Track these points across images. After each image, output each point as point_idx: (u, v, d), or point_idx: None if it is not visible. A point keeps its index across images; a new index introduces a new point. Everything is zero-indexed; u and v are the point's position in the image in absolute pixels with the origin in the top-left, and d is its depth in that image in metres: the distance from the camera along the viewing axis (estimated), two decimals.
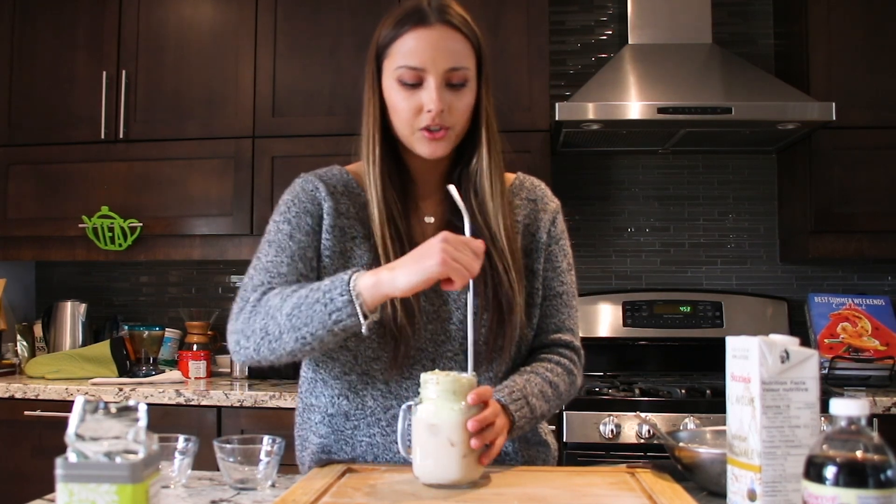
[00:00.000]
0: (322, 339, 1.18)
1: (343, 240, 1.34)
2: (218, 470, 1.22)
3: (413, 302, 1.27)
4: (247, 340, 1.24)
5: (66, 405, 2.42)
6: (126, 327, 3.06)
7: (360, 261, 1.32)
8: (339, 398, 1.34)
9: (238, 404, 2.52)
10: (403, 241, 1.30)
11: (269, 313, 1.21)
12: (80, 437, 0.79)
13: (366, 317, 1.14)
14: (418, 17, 1.27)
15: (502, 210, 1.33)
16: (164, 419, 2.49)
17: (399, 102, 1.28)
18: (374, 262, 1.29)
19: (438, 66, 1.25)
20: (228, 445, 1.19)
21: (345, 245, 1.34)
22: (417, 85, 1.27)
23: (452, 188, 1.24)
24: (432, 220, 1.38)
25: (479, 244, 1.16)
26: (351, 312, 1.14)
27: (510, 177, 1.45)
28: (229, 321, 1.29)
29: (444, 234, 1.14)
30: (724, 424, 1.06)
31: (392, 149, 1.34)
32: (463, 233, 1.19)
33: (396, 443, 1.29)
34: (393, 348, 1.29)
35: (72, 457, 0.79)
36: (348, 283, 1.14)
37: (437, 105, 1.25)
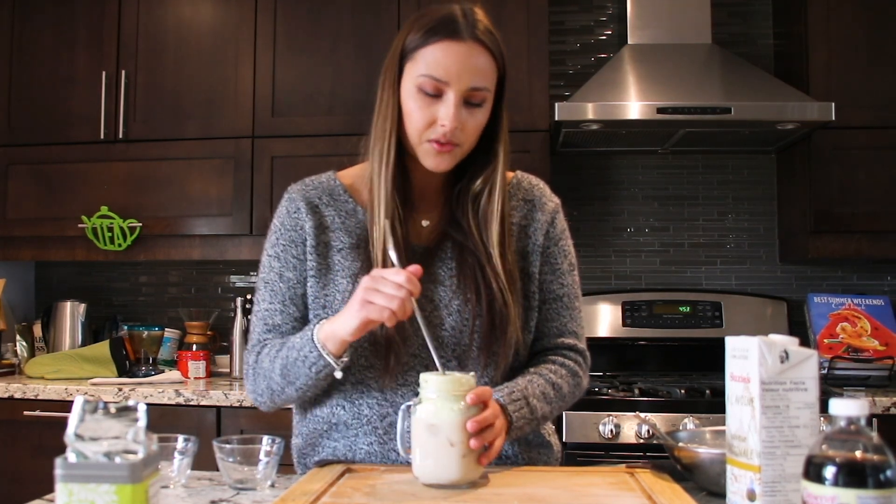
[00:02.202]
0: (314, 385, 1.29)
1: (327, 255, 1.35)
2: (217, 470, 1.22)
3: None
4: (261, 397, 1.36)
5: (66, 405, 2.42)
6: (125, 327, 3.06)
7: (346, 272, 1.33)
8: (336, 407, 1.34)
9: (237, 404, 2.52)
10: (401, 247, 1.28)
11: (266, 375, 1.32)
12: (79, 437, 0.79)
13: (339, 360, 1.24)
14: (451, 28, 1.25)
15: (500, 231, 1.33)
16: (164, 419, 2.49)
17: (414, 110, 1.27)
18: (367, 268, 1.29)
19: (462, 82, 1.24)
20: (228, 445, 1.19)
21: (330, 259, 1.35)
22: (436, 96, 1.25)
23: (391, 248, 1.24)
24: (428, 223, 1.38)
25: (402, 274, 1.16)
26: (325, 363, 1.24)
27: (508, 175, 1.43)
28: (244, 379, 1.39)
29: (369, 275, 1.19)
30: (724, 424, 1.06)
31: (399, 155, 1.33)
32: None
33: (394, 450, 1.29)
34: (385, 357, 1.29)
35: (71, 457, 0.79)
36: (312, 339, 1.24)
37: (453, 123, 1.24)
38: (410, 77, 1.27)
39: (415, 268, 1.18)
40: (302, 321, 1.36)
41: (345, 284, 1.32)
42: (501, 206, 1.33)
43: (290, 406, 1.40)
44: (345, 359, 1.25)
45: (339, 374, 1.25)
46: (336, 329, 1.21)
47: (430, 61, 1.25)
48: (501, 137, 1.34)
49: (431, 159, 1.29)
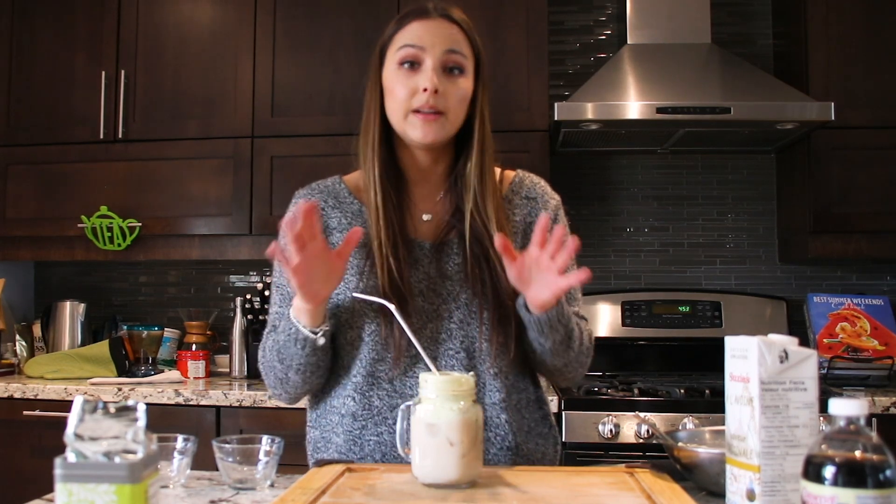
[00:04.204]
0: (308, 363, 1.32)
1: None
2: (217, 470, 1.22)
3: (409, 301, 1.31)
4: (276, 390, 1.41)
5: (65, 405, 2.41)
6: (125, 327, 3.06)
7: (354, 269, 1.36)
8: (346, 399, 1.36)
9: (237, 404, 2.52)
10: (398, 240, 1.33)
11: (271, 366, 1.38)
12: (79, 436, 0.79)
13: (315, 331, 1.28)
14: (420, 11, 1.37)
15: (494, 208, 1.37)
16: (163, 419, 2.49)
17: (396, 85, 1.34)
18: (370, 264, 1.34)
19: (436, 48, 1.33)
20: (227, 445, 1.19)
21: None
22: (416, 68, 1.33)
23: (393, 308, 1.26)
24: (430, 217, 1.41)
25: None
26: (304, 334, 1.28)
27: (510, 174, 1.48)
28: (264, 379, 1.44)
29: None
30: (723, 424, 1.06)
31: (390, 148, 1.39)
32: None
33: None
34: (394, 348, 1.32)
35: (71, 457, 0.79)
36: (289, 316, 1.30)
37: (432, 84, 1.31)
38: (391, 58, 1.36)
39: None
40: None
41: (354, 282, 1.35)
42: (489, 181, 1.38)
43: (307, 394, 1.44)
44: (325, 327, 1.28)
45: (321, 341, 1.29)
46: (294, 303, 1.28)
47: (405, 37, 1.35)
48: (477, 114, 1.38)
49: (419, 130, 1.33)
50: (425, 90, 1.30)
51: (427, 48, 1.32)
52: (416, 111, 1.32)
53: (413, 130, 1.33)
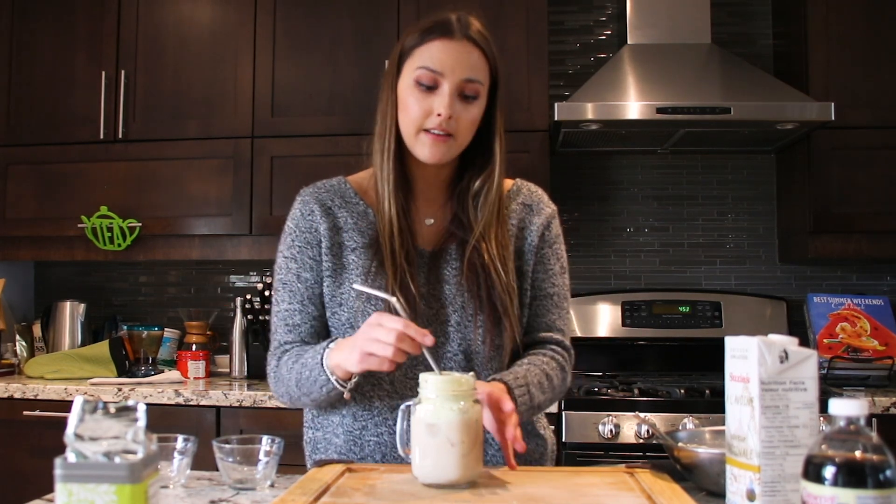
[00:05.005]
0: (327, 399, 1.34)
1: (342, 254, 1.40)
2: (217, 470, 1.22)
3: (412, 304, 1.32)
4: (283, 398, 1.41)
5: (65, 405, 2.41)
6: (125, 327, 3.06)
7: (360, 270, 1.37)
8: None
9: (237, 404, 2.52)
10: (408, 245, 1.36)
11: (284, 382, 1.37)
12: (79, 437, 0.79)
13: (346, 383, 1.29)
14: (445, 28, 1.34)
15: (497, 224, 1.40)
16: (163, 419, 2.49)
17: (411, 103, 1.34)
18: (378, 266, 1.35)
19: (456, 74, 1.32)
20: (227, 445, 1.20)
21: (345, 259, 1.39)
22: (432, 89, 1.33)
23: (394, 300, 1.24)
24: (432, 221, 1.44)
25: (399, 322, 1.16)
26: (334, 386, 1.29)
27: (508, 182, 1.50)
28: (268, 378, 1.44)
29: (369, 320, 1.20)
30: (723, 424, 1.06)
31: (400, 156, 1.40)
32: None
33: None
34: None
35: (71, 457, 0.79)
36: (322, 364, 1.29)
37: (447, 111, 1.31)
38: (408, 73, 1.35)
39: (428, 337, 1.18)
40: (320, 319, 1.41)
41: (359, 282, 1.36)
42: (499, 204, 1.41)
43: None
44: (354, 379, 1.29)
45: (347, 396, 1.31)
46: (341, 363, 1.26)
47: (426, 56, 1.34)
48: (497, 139, 1.41)
49: (427, 150, 1.34)
50: (439, 115, 1.31)
51: (447, 74, 1.32)
52: (427, 131, 1.33)
53: (422, 149, 1.35)
